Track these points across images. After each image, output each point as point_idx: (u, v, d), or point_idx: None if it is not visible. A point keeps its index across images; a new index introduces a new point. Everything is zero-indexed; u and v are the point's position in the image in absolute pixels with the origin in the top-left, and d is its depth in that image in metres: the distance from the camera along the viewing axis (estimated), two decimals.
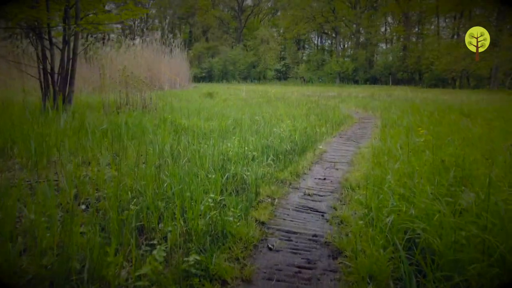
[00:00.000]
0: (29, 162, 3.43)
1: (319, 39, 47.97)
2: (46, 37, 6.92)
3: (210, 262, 1.77)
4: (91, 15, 7.50)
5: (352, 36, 42.10)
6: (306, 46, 48.76)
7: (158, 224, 2.22)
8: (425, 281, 1.60)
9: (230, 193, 2.77)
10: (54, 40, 7.61)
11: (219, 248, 2.01)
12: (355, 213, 2.54)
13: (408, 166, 2.97)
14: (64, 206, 2.60)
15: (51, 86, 7.00)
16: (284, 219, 2.50)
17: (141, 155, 3.57)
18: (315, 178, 3.52)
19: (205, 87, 23.28)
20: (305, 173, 3.68)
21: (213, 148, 3.61)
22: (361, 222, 2.24)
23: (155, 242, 2.04)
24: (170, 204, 2.40)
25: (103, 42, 17.38)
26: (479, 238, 1.67)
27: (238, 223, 2.24)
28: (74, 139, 4.19)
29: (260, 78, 40.29)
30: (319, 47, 47.29)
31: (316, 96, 15.06)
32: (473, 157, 3.10)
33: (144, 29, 29.84)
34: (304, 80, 38.04)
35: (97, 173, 3.15)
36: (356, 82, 36.34)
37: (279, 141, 4.51)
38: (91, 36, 16.71)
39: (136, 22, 48.36)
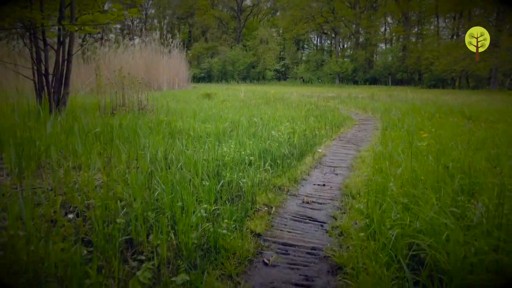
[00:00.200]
0: (16, 168, 3.29)
1: (318, 39, 47.89)
2: (41, 37, 6.79)
3: (200, 282, 1.64)
4: (86, 15, 7.37)
5: (352, 36, 42.00)
6: (306, 46, 48.66)
7: (147, 237, 2.09)
8: None
9: (225, 201, 2.65)
10: (48, 40, 7.48)
11: (211, 264, 1.89)
12: (356, 223, 2.41)
13: (411, 172, 2.85)
14: (49, 216, 2.47)
15: (45, 88, 6.88)
16: (281, 230, 2.37)
17: (135, 160, 3.45)
18: (314, 184, 3.40)
19: (204, 87, 23.16)
20: (303, 179, 3.55)
21: (208, 152, 3.48)
22: (362, 234, 2.11)
23: (143, 257, 1.92)
24: (161, 215, 2.27)
25: (101, 43, 17.26)
26: (490, 255, 1.54)
27: (232, 236, 2.12)
28: (66, 143, 4.06)
29: (260, 78, 40.17)
30: (318, 47, 47.19)
31: (315, 97, 14.94)
32: (479, 164, 2.97)
33: (143, 29, 29.74)
34: (303, 80, 37.93)
35: (87, 179, 3.02)
36: (355, 82, 36.24)
37: (277, 144, 4.38)
38: (89, 36, 16.57)
39: (135, 22, 48.27)
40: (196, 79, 37.28)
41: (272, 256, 2.03)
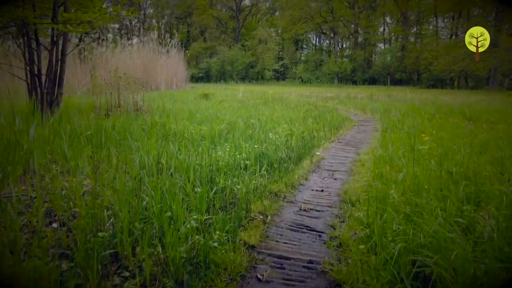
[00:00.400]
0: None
1: (317, 39, 47.77)
2: (33, 37, 6.65)
3: None
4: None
5: (351, 36, 41.90)
6: (304, 46, 48.53)
7: (134, 250, 1.96)
8: None
9: (218, 210, 2.52)
10: (42, 40, 7.33)
11: (200, 280, 1.76)
12: (355, 234, 2.29)
13: (413, 178, 2.72)
14: (31, 226, 2.34)
15: (38, 89, 6.73)
16: (277, 241, 2.25)
17: (125, 164, 3.31)
18: (312, 190, 3.27)
19: (202, 87, 23.01)
20: (301, 184, 3.42)
21: (201, 156, 3.35)
22: (362, 246, 1.99)
23: (127, 273, 1.79)
24: (149, 226, 2.14)
25: (98, 42, 17.09)
26: (502, 274, 1.42)
27: (224, 249, 1.99)
28: (56, 146, 3.93)
29: (258, 78, 40.03)
30: (317, 47, 47.07)
31: (314, 97, 14.82)
32: (483, 169, 2.85)
33: (141, 29, 29.56)
34: (302, 80, 37.81)
35: (75, 185, 2.89)
36: (354, 82, 36.13)
37: (274, 147, 4.25)
38: (86, 36, 16.41)
39: (134, 22, 48.08)
40: (195, 79, 37.12)
41: (266, 271, 1.90)
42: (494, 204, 2.09)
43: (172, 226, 2.07)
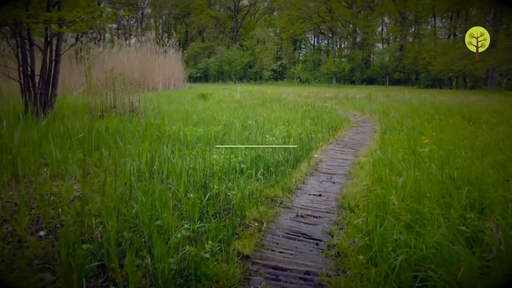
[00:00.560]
0: None
1: (315, 39, 47.71)
2: (26, 37, 6.53)
3: None
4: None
5: (349, 36, 41.85)
6: (303, 46, 48.46)
7: (121, 261, 1.86)
8: None
9: (212, 216, 2.42)
10: (36, 40, 7.20)
11: None
12: (354, 242, 2.19)
13: (414, 183, 2.63)
14: (16, 235, 2.24)
15: (32, 90, 6.62)
16: (272, 250, 2.15)
17: (118, 168, 3.21)
18: (309, 194, 3.18)
19: (200, 87, 22.90)
20: (298, 188, 3.33)
21: (195, 160, 3.25)
22: (361, 257, 1.89)
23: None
24: (138, 235, 2.04)
25: (95, 42, 16.95)
26: None
27: (216, 260, 1.89)
28: (46, 149, 3.82)
29: (257, 78, 39.94)
30: (315, 47, 47.01)
31: (312, 97, 14.74)
32: (485, 172, 2.76)
33: (139, 29, 29.42)
34: (300, 80, 37.75)
35: (64, 191, 2.78)
36: (352, 82, 36.09)
37: (271, 150, 4.16)
38: (81, 36, 16.26)
39: (132, 22, 47.90)
40: (193, 79, 37.01)
41: (260, 283, 1.80)
42: (499, 211, 2.01)
43: (162, 236, 1.98)
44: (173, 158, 3.27)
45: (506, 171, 2.84)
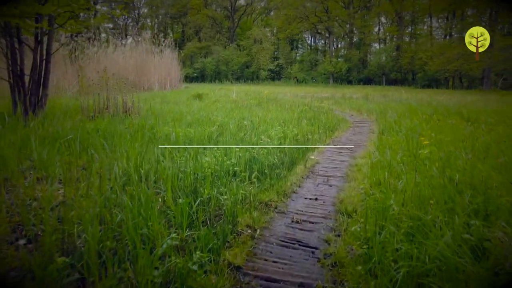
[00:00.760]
0: None
1: (312, 39, 47.66)
2: (16, 36, 6.36)
3: None
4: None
5: (346, 36, 41.82)
6: (300, 46, 48.39)
7: (101, 275, 1.73)
8: None
9: (202, 223, 2.30)
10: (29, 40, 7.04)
11: None
12: (352, 250, 2.08)
13: (414, 187, 2.52)
14: None
15: (21, 90, 6.46)
16: (265, 260, 2.03)
17: (105, 172, 3.07)
18: (305, 198, 3.06)
19: (197, 87, 22.73)
20: (294, 192, 3.21)
21: (185, 163, 3.12)
22: (359, 268, 1.78)
23: None
24: (122, 245, 1.91)
25: (89, 41, 16.74)
26: None
27: (205, 272, 1.77)
28: (32, 151, 3.67)
29: (254, 78, 39.81)
30: (312, 47, 46.97)
31: (309, 97, 14.64)
32: (487, 175, 2.66)
33: (135, 29, 29.15)
34: (297, 80, 37.67)
35: (47, 196, 2.65)
36: (349, 82, 36.06)
37: (266, 151, 4.03)
38: (77, 36, 16.05)
39: (128, 21, 47.59)
40: (189, 79, 36.80)
41: None
42: (505, 218, 1.90)
43: (147, 245, 1.85)
44: (163, 161, 3.14)
45: (509, 174, 2.74)
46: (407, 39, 37.93)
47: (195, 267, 1.72)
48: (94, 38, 16.97)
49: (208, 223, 2.33)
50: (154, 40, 19.93)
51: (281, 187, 3.15)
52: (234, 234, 2.23)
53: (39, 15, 5.52)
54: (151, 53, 19.47)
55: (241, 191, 2.76)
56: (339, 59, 39.13)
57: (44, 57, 6.67)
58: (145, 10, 50.42)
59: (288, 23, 40.35)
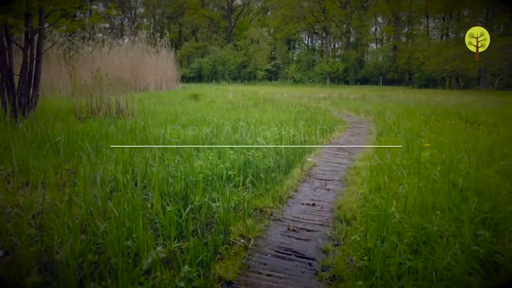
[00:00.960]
0: None
1: (309, 39, 47.60)
2: (4, 34, 6.18)
3: None
4: (57, 10, 6.76)
5: (343, 36, 41.79)
6: (297, 46, 48.32)
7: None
8: None
9: (192, 233, 2.16)
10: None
11: None
12: (352, 262, 1.95)
13: (416, 194, 2.40)
14: None
15: (10, 90, 6.27)
16: (259, 273, 1.89)
17: (90, 178, 2.92)
18: (302, 204, 2.93)
19: (193, 88, 22.56)
20: (290, 197, 3.08)
21: (176, 168, 2.98)
22: (360, 283, 1.65)
23: None
24: (104, 259, 1.77)
25: (84, 41, 16.54)
26: None
27: (193, 286, 1.63)
28: (19, 154, 3.52)
29: (251, 78, 39.67)
30: (309, 47, 46.90)
31: (306, 97, 14.53)
32: (493, 180, 2.54)
33: (131, 28, 28.93)
34: (294, 80, 37.58)
35: (28, 202, 2.50)
36: (346, 82, 36.02)
37: (261, 154, 3.90)
38: (72, 35, 15.84)
39: (124, 21, 47.29)
40: (186, 79, 36.61)
41: None
42: None
43: (131, 259, 1.71)
44: (152, 166, 2.99)
45: None
46: (404, 39, 37.97)
47: (182, 284, 1.59)
48: (89, 38, 16.77)
49: (199, 232, 2.20)
50: (150, 40, 19.76)
51: (277, 192, 3.02)
52: (226, 245, 2.10)
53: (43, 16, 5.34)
54: (147, 53, 19.28)
55: (235, 198, 2.63)
56: (336, 59, 39.08)
57: (35, 57, 6.50)
58: (142, 10, 50.16)
59: (285, 23, 40.26)
